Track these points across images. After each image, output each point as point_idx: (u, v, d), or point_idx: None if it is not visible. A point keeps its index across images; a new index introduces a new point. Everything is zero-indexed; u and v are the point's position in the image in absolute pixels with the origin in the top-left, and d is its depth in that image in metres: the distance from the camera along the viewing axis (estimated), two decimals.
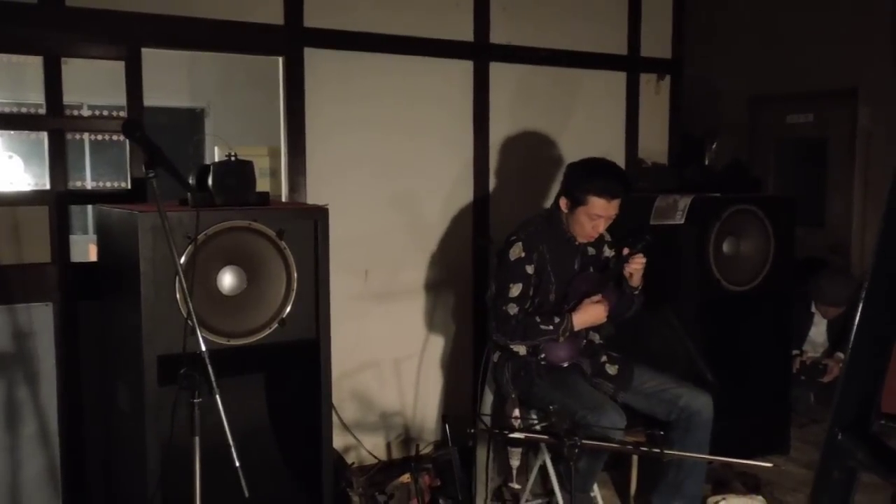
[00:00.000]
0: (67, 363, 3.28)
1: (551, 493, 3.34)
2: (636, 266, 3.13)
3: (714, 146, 4.50)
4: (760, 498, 3.39)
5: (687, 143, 4.72)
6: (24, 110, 5.16)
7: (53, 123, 3.26)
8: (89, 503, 3.33)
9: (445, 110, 4.01)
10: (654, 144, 4.64)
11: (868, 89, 5.24)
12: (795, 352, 4.50)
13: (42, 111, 3.27)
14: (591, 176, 3.12)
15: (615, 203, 3.09)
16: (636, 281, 3.19)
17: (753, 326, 4.05)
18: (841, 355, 4.55)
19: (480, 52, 4.06)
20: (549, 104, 4.28)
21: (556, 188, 3.29)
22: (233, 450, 2.05)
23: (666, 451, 2.63)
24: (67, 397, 3.28)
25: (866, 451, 0.83)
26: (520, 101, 4.19)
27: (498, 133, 4.14)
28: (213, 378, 2.09)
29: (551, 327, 3.07)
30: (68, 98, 3.29)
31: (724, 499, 3.32)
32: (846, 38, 5.28)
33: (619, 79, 4.50)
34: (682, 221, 3.77)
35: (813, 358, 4.59)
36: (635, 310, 3.29)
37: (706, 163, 4.45)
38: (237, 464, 2.06)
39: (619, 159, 4.37)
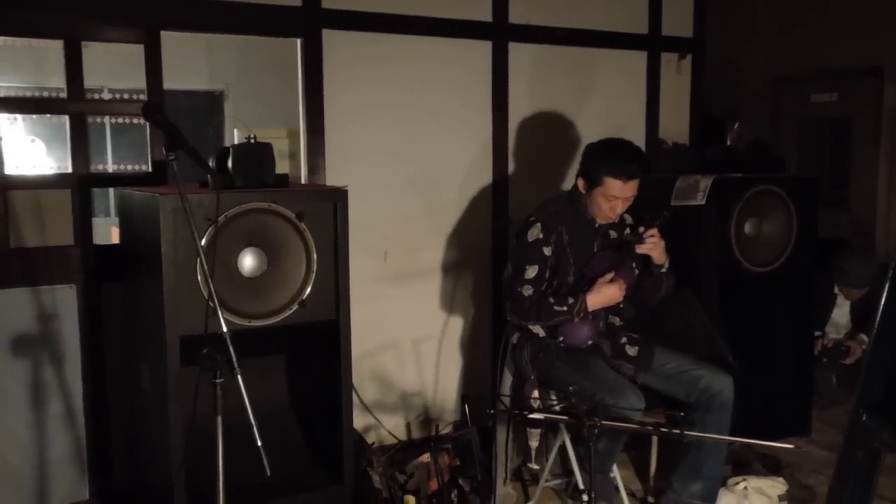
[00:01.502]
0: (91, 344, 3.32)
1: (570, 473, 3.35)
2: (648, 245, 3.11)
3: (736, 126, 4.46)
4: (781, 479, 3.38)
5: (708, 123, 4.67)
6: (45, 94, 5.20)
7: (74, 107, 3.28)
8: (115, 482, 3.38)
9: (464, 91, 3.99)
10: (675, 125, 4.59)
11: (894, 67, 5.15)
12: (817, 333, 4.47)
13: (63, 95, 3.29)
14: (607, 157, 3.09)
15: (632, 184, 3.07)
16: (659, 258, 3.16)
17: (775, 308, 4.02)
18: (864, 337, 4.51)
19: (499, 33, 4.03)
20: (568, 84, 4.25)
21: (575, 169, 3.28)
22: (255, 429, 2.07)
23: (686, 433, 2.62)
24: (92, 378, 3.33)
25: (891, 432, 0.82)
26: (539, 81, 4.17)
27: (517, 114, 4.12)
28: (234, 359, 2.10)
29: (565, 308, 3.07)
30: (89, 82, 3.30)
31: (744, 480, 3.31)
32: (871, 15, 5.19)
33: (639, 58, 4.46)
34: (703, 202, 3.74)
35: (835, 340, 4.55)
36: (666, 291, 3.26)
37: (728, 143, 4.40)
38: (259, 443, 2.08)
39: (640, 140, 4.34)
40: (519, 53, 4.09)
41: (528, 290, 3.10)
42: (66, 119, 3.30)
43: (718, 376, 3.13)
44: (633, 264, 3.19)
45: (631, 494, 3.37)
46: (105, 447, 3.38)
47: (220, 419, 2.15)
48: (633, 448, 3.70)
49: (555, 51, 4.18)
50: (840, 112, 5.59)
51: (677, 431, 2.56)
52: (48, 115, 5.12)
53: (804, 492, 3.46)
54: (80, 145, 3.30)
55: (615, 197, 3.07)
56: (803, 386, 4.16)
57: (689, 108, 4.65)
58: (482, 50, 4.01)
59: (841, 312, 4.64)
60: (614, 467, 3.26)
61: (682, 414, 2.76)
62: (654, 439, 3.46)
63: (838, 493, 0.87)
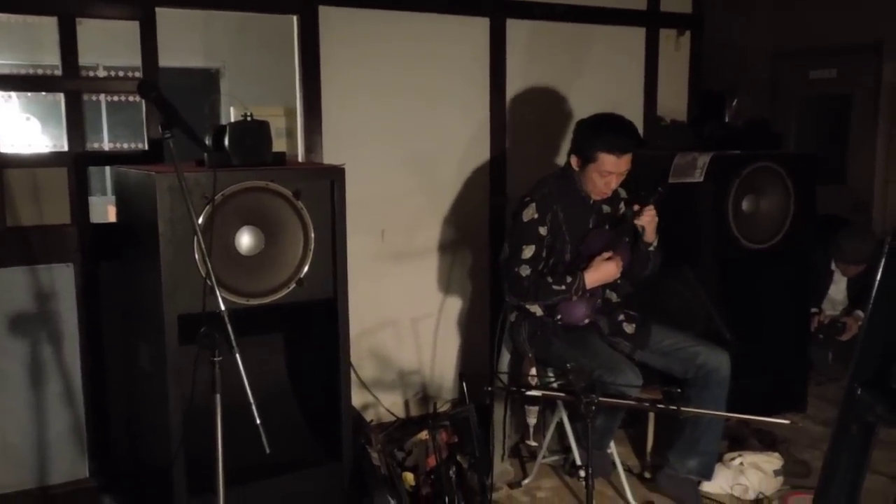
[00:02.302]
0: (89, 323, 3.32)
1: (568, 449, 3.37)
2: (647, 218, 3.11)
3: (734, 103, 4.44)
4: (776, 454, 3.40)
5: (707, 99, 4.65)
6: (40, 72, 5.17)
7: (70, 85, 3.26)
8: (114, 460, 3.39)
9: (461, 69, 3.97)
10: (674, 101, 4.58)
11: (893, 43, 5.13)
12: (814, 310, 4.48)
13: (58, 72, 3.27)
14: (599, 132, 3.08)
15: (626, 158, 3.06)
16: (650, 236, 3.17)
17: (772, 285, 4.03)
18: (860, 313, 4.52)
19: (497, 9, 4.00)
20: (566, 61, 4.23)
21: None
22: (253, 407, 2.08)
23: (682, 409, 2.64)
24: (90, 356, 3.33)
25: (885, 406, 0.83)
26: (537, 58, 4.14)
27: (514, 91, 4.10)
28: (232, 337, 2.10)
29: (563, 287, 3.07)
30: (84, 59, 3.28)
31: (740, 455, 3.34)
32: None
33: (637, 34, 4.43)
34: (700, 179, 3.73)
35: (831, 316, 4.57)
36: (652, 269, 3.28)
37: (726, 120, 4.39)
38: (258, 421, 2.08)
39: (637, 117, 4.33)
40: (517, 30, 4.06)
41: (525, 271, 3.10)
42: (61, 97, 3.28)
43: (715, 353, 3.14)
44: (626, 240, 3.20)
45: (628, 470, 3.39)
46: (104, 426, 3.39)
47: (218, 397, 2.16)
48: (630, 424, 3.72)
49: (553, 27, 4.16)
50: (839, 88, 5.57)
51: (674, 408, 2.57)
52: (43, 93, 5.09)
53: (799, 467, 3.49)
54: (76, 123, 3.29)
55: (609, 172, 3.07)
56: (799, 362, 4.17)
57: (688, 85, 4.63)
58: (480, 26, 3.99)
59: (837, 289, 4.66)
60: (611, 443, 3.29)
61: (678, 390, 2.78)
62: (651, 416, 3.48)
63: (832, 466, 0.88)
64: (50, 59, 3.51)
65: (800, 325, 4.20)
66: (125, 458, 3.37)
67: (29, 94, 5.52)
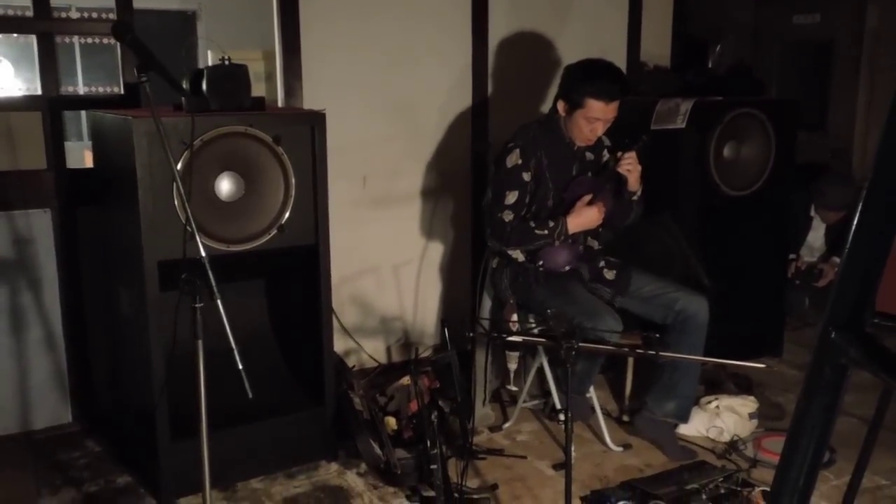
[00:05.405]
0: (68, 269, 3.30)
1: (548, 394, 3.42)
2: (628, 165, 3.11)
3: (717, 49, 4.41)
4: (752, 398, 3.47)
5: (690, 45, 4.62)
6: (10, 13, 5.03)
7: (42, 26, 3.18)
8: (97, 406, 3.41)
9: (443, 13, 3.90)
10: (657, 47, 4.54)
11: None
12: (792, 256, 4.53)
13: (30, 13, 3.18)
14: (588, 78, 3.06)
15: (613, 105, 3.04)
16: (633, 185, 3.17)
17: (751, 231, 4.06)
18: (837, 260, 4.58)
19: None
20: (548, 6, 4.17)
21: (555, 91, 3.24)
22: (235, 353, 2.08)
23: (661, 353, 2.67)
24: (70, 303, 3.32)
25: (859, 349, 0.84)
26: (519, 3, 4.08)
27: (496, 36, 4.04)
28: (213, 283, 2.10)
29: (546, 232, 3.08)
30: (56, 0, 3.20)
31: (716, 399, 3.40)
32: None
33: None
34: (683, 126, 3.72)
35: (809, 262, 4.62)
36: (634, 218, 3.29)
37: (709, 66, 4.37)
38: (240, 366, 2.09)
39: (621, 62, 4.28)
40: None
41: (508, 216, 3.10)
42: (33, 39, 3.20)
43: (694, 298, 3.18)
44: (608, 187, 3.20)
45: (607, 414, 3.45)
46: (86, 371, 3.40)
47: (200, 343, 2.16)
48: (610, 369, 3.77)
49: None
50: (822, 34, 5.54)
51: (652, 352, 2.61)
52: (14, 35, 4.97)
53: (774, 410, 3.56)
54: (49, 66, 3.22)
55: (596, 119, 3.05)
56: (776, 308, 4.23)
57: (671, 31, 4.59)
58: None
59: (816, 236, 4.70)
60: (591, 388, 3.34)
61: (657, 336, 2.81)
62: (630, 360, 3.53)
63: (805, 408, 0.90)
64: None
65: (777, 272, 4.25)
66: (108, 402, 3.38)
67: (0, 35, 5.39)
